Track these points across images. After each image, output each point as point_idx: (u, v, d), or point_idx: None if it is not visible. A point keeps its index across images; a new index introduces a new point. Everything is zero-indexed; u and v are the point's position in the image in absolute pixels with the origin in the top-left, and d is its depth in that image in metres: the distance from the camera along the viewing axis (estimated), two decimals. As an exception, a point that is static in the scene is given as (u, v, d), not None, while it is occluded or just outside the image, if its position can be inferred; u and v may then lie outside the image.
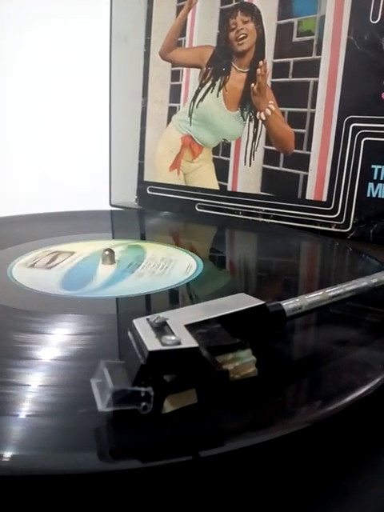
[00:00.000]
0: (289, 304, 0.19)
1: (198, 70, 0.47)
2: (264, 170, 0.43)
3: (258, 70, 0.42)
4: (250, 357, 0.16)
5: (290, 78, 0.41)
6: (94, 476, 0.13)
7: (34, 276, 0.28)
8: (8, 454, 0.13)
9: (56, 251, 0.33)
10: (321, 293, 0.20)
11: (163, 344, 0.15)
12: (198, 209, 0.47)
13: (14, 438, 0.14)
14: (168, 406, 0.15)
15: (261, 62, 0.42)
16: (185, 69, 0.48)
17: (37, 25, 0.61)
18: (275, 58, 0.42)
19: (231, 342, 0.16)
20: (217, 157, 0.46)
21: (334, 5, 0.38)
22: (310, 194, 0.41)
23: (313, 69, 0.39)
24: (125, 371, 0.15)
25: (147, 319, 0.16)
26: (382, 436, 0.17)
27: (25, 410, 0.15)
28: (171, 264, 0.30)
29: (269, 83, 0.42)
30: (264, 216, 0.43)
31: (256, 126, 0.43)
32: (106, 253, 0.30)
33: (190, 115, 0.47)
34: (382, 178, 0.37)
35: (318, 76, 0.39)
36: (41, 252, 0.33)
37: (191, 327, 0.16)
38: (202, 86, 0.46)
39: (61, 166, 0.62)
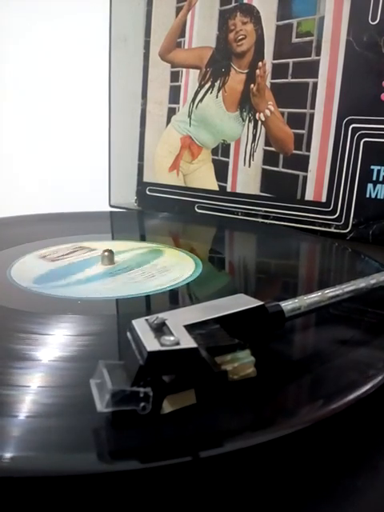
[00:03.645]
0: (288, 304, 0.19)
1: (198, 71, 0.47)
2: (263, 170, 0.43)
3: (258, 71, 0.42)
4: (248, 357, 0.16)
5: (290, 79, 0.41)
6: (94, 477, 0.13)
7: (29, 266, 0.29)
8: (8, 455, 0.13)
9: (81, 247, 0.33)
10: (320, 293, 0.20)
11: (162, 344, 0.15)
12: (197, 209, 0.47)
13: (14, 439, 0.14)
14: (167, 407, 0.15)
15: (260, 63, 0.42)
16: (184, 70, 0.48)
17: (36, 26, 0.61)
18: (274, 58, 0.42)
19: (230, 342, 0.16)
20: (216, 157, 0.46)
21: (333, 6, 0.38)
22: (309, 195, 0.41)
23: (312, 70, 0.39)
24: (124, 372, 0.15)
25: (146, 320, 0.16)
26: (381, 437, 0.17)
27: (24, 410, 0.15)
28: (164, 272, 0.29)
29: (268, 84, 0.42)
30: (263, 217, 0.43)
31: (255, 127, 0.43)
32: (105, 253, 0.30)
33: (189, 116, 0.47)
34: (381, 179, 0.37)
35: (317, 77, 0.39)
36: (67, 245, 0.34)
37: (190, 328, 0.16)
38: (201, 86, 0.46)
39: (60, 167, 0.62)
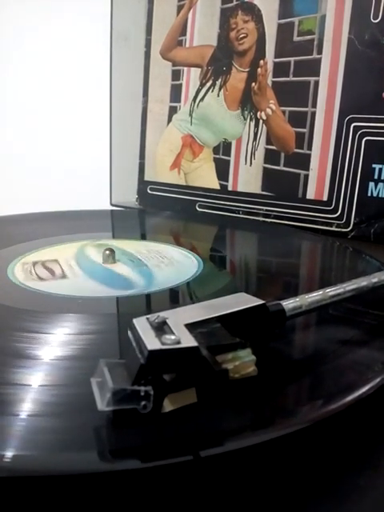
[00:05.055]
0: (289, 303, 0.19)
1: (199, 70, 0.47)
2: (265, 169, 0.43)
3: (259, 70, 0.42)
4: (249, 356, 0.16)
5: (291, 78, 0.41)
6: (94, 476, 0.13)
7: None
8: (9, 454, 0.13)
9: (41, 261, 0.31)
10: (321, 292, 0.20)
11: (163, 343, 0.15)
12: (198, 208, 0.47)
13: (15, 438, 0.14)
14: (168, 405, 0.15)
15: (261, 62, 0.42)
16: (185, 68, 0.48)
17: (37, 24, 0.61)
18: (276, 57, 0.42)
19: (231, 341, 0.16)
20: (217, 156, 0.46)
21: (334, 4, 0.38)
22: (310, 194, 0.41)
23: (313, 68, 0.39)
24: (125, 370, 0.15)
25: (147, 318, 0.16)
26: (382, 436, 0.17)
27: (25, 409, 0.15)
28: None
29: (269, 83, 0.42)
30: (265, 215, 0.43)
31: (257, 126, 0.43)
32: (107, 252, 0.30)
33: (190, 115, 0.47)
34: (382, 178, 0.37)
35: (318, 75, 0.39)
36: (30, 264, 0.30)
37: (191, 326, 0.16)
38: (202, 85, 0.46)
39: (61, 165, 0.62)
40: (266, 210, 0.43)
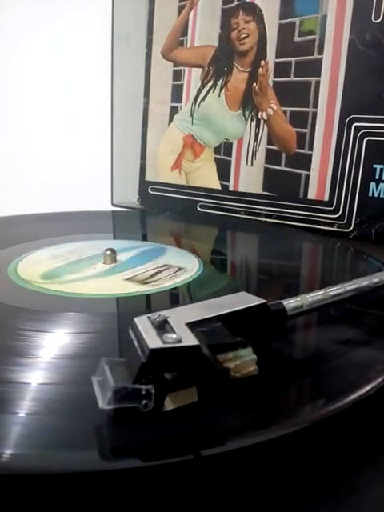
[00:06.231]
0: (290, 303, 0.19)
1: (200, 70, 0.47)
2: (266, 169, 0.43)
3: (260, 70, 0.42)
4: (250, 355, 0.16)
5: (292, 78, 0.41)
6: (95, 475, 0.13)
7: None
8: (8, 453, 0.13)
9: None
10: (322, 292, 0.20)
11: (164, 342, 0.15)
12: (199, 208, 0.47)
13: (14, 436, 0.14)
14: (169, 404, 0.15)
15: (262, 62, 0.42)
16: (186, 68, 0.48)
17: (38, 25, 0.61)
18: (277, 57, 0.42)
19: (232, 340, 0.16)
20: (218, 156, 0.46)
21: (335, 4, 0.38)
22: (311, 194, 0.41)
23: (315, 68, 0.39)
24: (126, 369, 0.15)
25: (148, 317, 0.16)
26: (382, 436, 0.17)
27: (25, 408, 0.15)
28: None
29: (270, 83, 0.42)
30: (266, 216, 0.43)
31: (258, 126, 0.43)
32: (108, 252, 0.30)
33: (191, 115, 0.47)
34: (383, 178, 0.37)
35: (319, 76, 0.39)
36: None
37: (192, 325, 0.16)
38: (203, 85, 0.46)
39: (62, 166, 0.62)
40: (267, 211, 0.43)
